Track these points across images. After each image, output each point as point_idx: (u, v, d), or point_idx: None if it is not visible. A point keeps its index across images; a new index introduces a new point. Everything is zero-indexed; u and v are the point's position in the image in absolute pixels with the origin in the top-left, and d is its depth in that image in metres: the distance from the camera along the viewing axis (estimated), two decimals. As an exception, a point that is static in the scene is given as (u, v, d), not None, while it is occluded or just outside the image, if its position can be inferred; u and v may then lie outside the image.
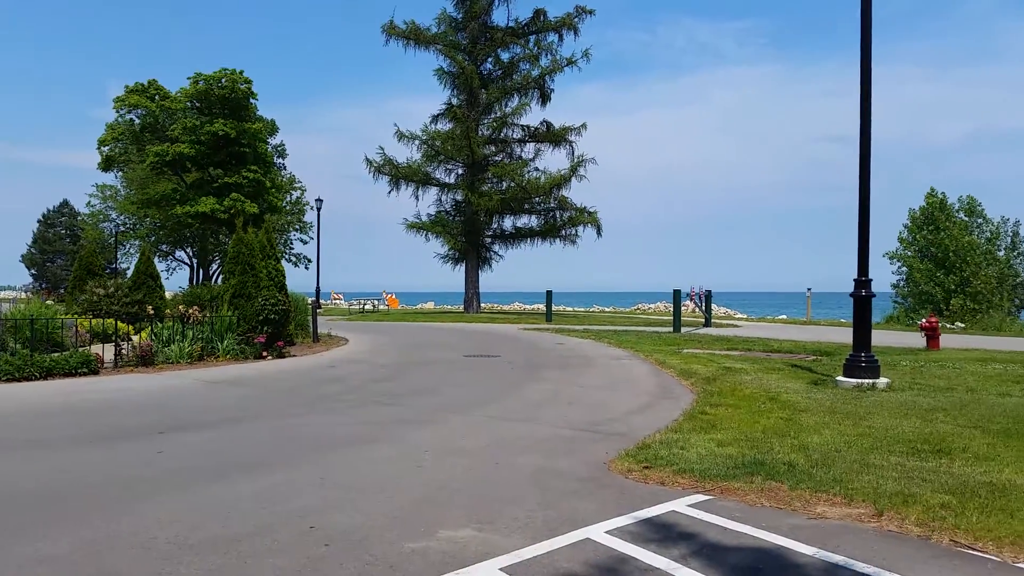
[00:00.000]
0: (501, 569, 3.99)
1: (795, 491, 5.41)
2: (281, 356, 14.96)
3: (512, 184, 34.34)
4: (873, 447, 6.73)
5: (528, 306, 53.10)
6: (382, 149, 35.29)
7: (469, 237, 35.04)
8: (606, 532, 4.61)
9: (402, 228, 35.33)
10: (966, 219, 32.45)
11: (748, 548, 4.35)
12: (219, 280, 31.76)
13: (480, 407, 9.33)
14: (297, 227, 47.94)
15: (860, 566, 4.04)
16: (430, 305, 56.14)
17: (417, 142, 34.90)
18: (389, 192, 35.58)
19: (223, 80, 31.76)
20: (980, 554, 4.19)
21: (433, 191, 36.29)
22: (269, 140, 38.77)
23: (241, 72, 32.00)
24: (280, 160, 43.64)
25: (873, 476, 5.70)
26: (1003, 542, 4.31)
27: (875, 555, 4.20)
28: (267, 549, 4.26)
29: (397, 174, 35.27)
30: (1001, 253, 32.14)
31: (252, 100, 33.21)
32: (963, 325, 27.10)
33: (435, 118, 35.87)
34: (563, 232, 35.45)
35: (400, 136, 34.95)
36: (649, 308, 48.57)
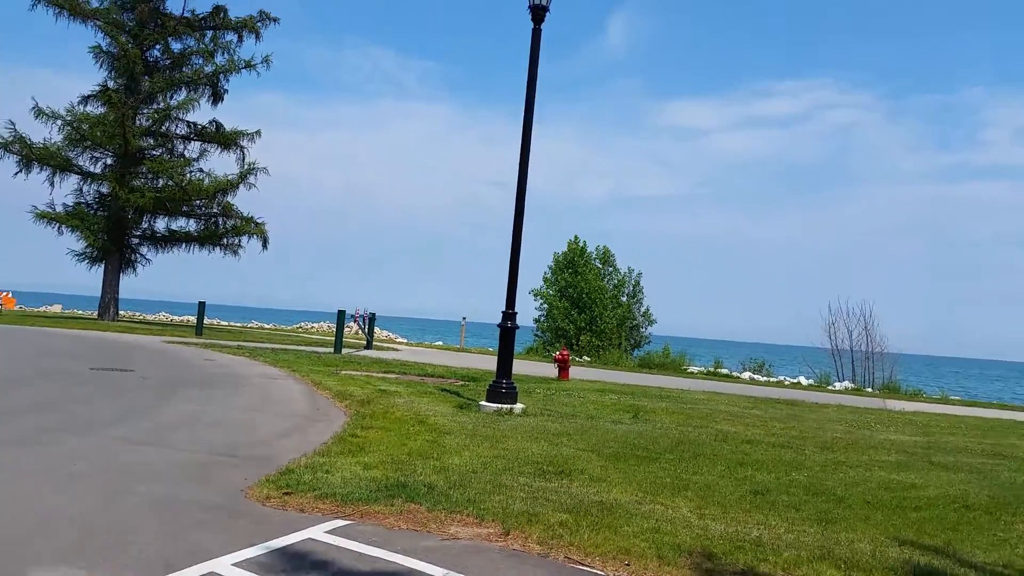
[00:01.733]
0: (101, 614, 3.48)
1: (432, 512, 5.54)
2: None
3: (171, 183, 31.58)
4: (506, 468, 7.18)
5: (177, 317, 49.04)
6: (13, 124, 30.37)
7: (112, 235, 31.41)
8: (233, 565, 4.29)
9: (30, 217, 30.59)
10: (600, 266, 36.85)
11: (381, 573, 4.32)
12: None
13: (104, 428, 8.27)
14: None
15: (484, 585, 4.22)
16: (57, 308, 49.23)
17: (60, 122, 30.58)
18: (16, 174, 30.64)
19: None
20: (589, 569, 4.62)
21: (74, 179, 32.01)
22: None
23: None
24: None
25: (503, 496, 6.05)
26: (608, 557, 4.80)
27: (499, 573, 4.42)
28: None
29: (30, 155, 30.51)
30: (624, 299, 36.95)
31: None
32: (589, 359, 30.61)
33: (85, 99, 31.78)
34: (225, 241, 33.38)
35: (39, 112, 30.36)
36: (312, 327, 47.67)
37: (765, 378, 26.92)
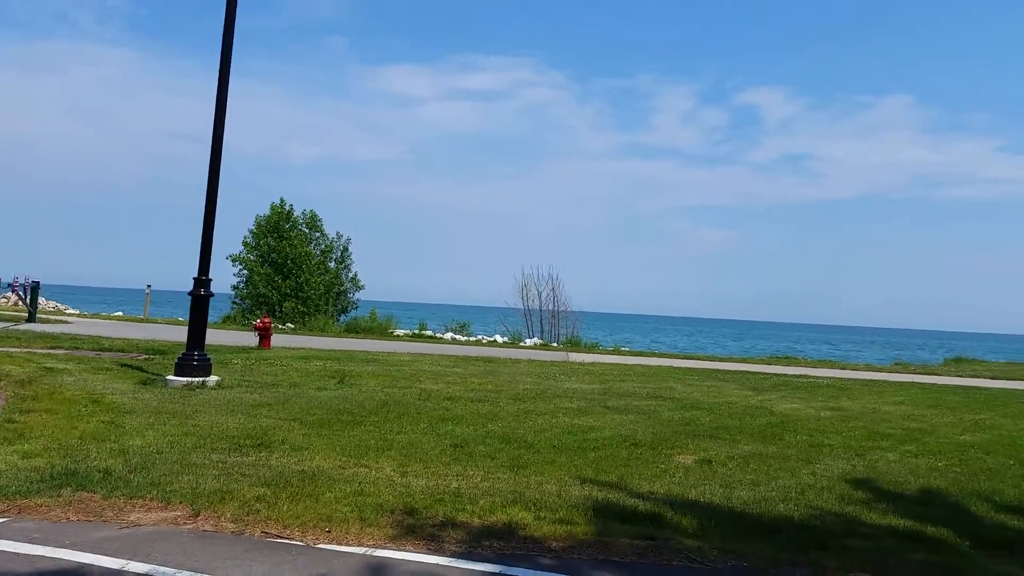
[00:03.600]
0: None
1: (109, 500, 4.98)
2: None
3: None
4: (197, 446, 6.69)
5: None
6: None
7: None
8: None
9: None
10: (307, 231, 35.72)
11: (44, 572, 3.79)
12: None
13: None
14: None
15: (169, 572, 3.89)
16: None
17: None
18: None
19: None
20: (288, 541, 4.45)
21: None
22: None
23: None
24: None
25: (193, 476, 5.63)
26: (308, 527, 4.67)
27: (188, 558, 4.10)
28: None
29: None
30: (332, 264, 36.30)
31: None
32: (293, 326, 29.73)
33: None
34: None
35: None
36: (-45, 299, 40.55)
37: (466, 338, 28.18)
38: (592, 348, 27.33)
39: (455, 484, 5.82)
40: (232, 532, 4.57)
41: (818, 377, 17.62)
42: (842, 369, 21.91)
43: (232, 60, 11.17)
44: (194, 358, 10.66)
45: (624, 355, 24.17)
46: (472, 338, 28.49)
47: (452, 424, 8.49)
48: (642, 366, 18.58)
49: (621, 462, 7.08)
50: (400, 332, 28.51)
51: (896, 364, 27.65)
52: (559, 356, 21.03)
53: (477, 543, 4.55)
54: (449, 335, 28.47)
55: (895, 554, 4.78)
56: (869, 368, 23.36)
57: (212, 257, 11.13)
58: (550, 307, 32.69)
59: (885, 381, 17.65)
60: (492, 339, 28.51)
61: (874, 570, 4.48)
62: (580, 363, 18.40)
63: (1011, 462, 8.08)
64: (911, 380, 18.44)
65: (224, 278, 35.13)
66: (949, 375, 21.09)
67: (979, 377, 20.77)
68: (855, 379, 17.84)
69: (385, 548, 4.41)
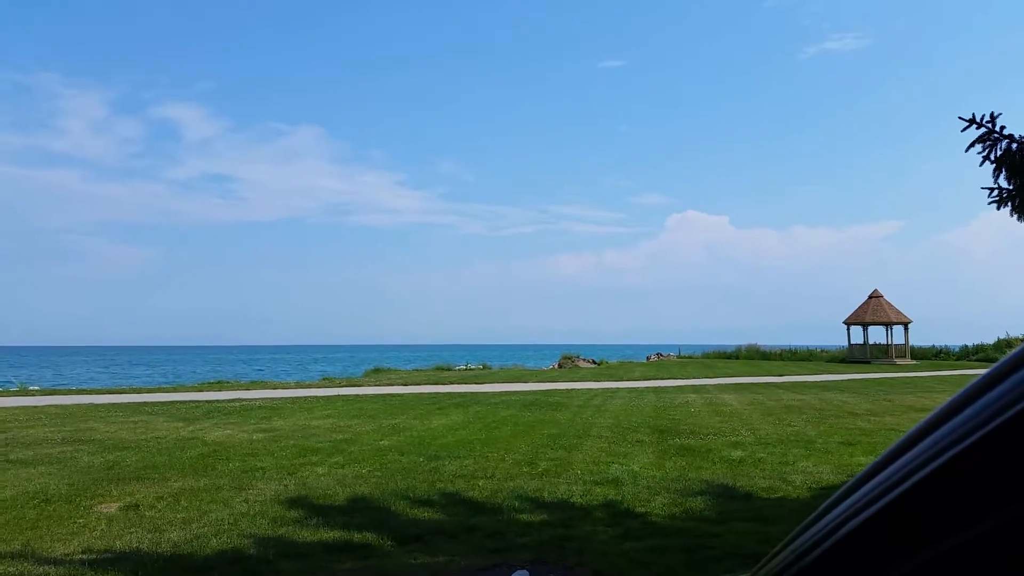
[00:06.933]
0: None
1: None
2: None
3: None
4: None
5: None
6: None
7: None
8: None
9: None
10: None
11: None
12: None
13: None
14: None
15: None
16: None
17: None
18: None
19: None
20: None
21: None
22: None
23: None
24: None
25: None
26: None
27: None
28: None
29: None
30: None
31: None
32: None
33: None
34: None
35: None
36: None
37: None
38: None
39: None
40: None
41: (251, 399, 17.82)
42: (274, 389, 22.56)
43: None
44: None
45: (33, 395, 20.92)
46: None
47: None
48: (56, 406, 16.33)
49: (28, 524, 6.08)
50: None
51: (324, 379, 29.63)
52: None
53: None
54: None
55: (325, 568, 5.05)
56: (299, 386, 24.54)
57: None
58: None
59: (314, 397, 18.75)
60: None
61: (306, 588, 4.65)
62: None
63: (421, 459, 9.30)
64: (337, 393, 19.94)
65: None
66: (369, 385, 23.46)
67: (394, 385, 23.54)
68: (286, 398, 18.54)
69: None
